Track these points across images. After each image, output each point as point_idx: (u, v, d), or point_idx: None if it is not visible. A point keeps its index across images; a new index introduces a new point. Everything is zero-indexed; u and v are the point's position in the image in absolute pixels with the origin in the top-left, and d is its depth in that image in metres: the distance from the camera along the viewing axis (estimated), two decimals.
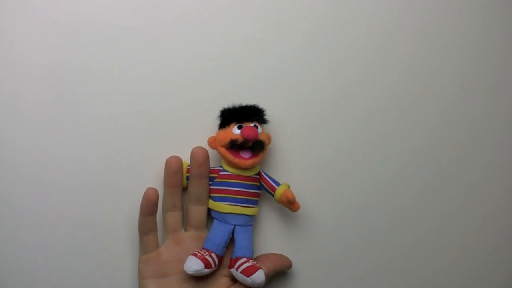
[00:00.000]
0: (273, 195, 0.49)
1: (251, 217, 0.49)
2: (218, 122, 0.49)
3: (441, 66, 0.54)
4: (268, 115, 0.50)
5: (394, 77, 0.54)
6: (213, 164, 0.50)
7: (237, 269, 0.46)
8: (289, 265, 0.51)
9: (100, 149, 0.50)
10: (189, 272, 0.45)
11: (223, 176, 0.49)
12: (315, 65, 0.53)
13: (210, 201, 0.49)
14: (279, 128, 0.52)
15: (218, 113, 0.49)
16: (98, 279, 0.50)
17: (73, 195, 0.50)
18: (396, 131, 0.54)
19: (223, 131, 0.48)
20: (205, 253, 0.47)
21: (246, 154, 0.48)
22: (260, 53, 0.52)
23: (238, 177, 0.48)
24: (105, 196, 0.50)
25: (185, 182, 0.49)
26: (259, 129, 0.48)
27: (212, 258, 0.47)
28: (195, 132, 0.51)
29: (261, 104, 0.49)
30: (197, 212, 0.49)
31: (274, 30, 0.52)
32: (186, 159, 0.49)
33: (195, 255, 0.46)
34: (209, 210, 0.49)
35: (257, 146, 0.47)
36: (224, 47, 0.52)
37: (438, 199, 0.54)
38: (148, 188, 0.47)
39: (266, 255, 0.50)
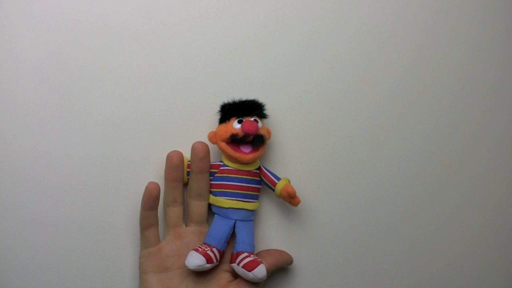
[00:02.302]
0: (273, 190, 0.49)
1: (252, 212, 0.49)
2: (218, 117, 0.49)
3: (443, 65, 0.54)
4: (268, 111, 0.50)
5: (396, 75, 0.54)
6: (213, 160, 0.50)
7: (238, 264, 0.46)
8: (290, 261, 0.51)
9: (101, 146, 0.50)
10: (190, 267, 0.45)
11: (223, 171, 0.48)
12: (316, 61, 0.53)
13: (211, 196, 0.49)
14: (280, 123, 0.52)
15: (218, 108, 0.49)
16: (98, 278, 0.50)
17: (73, 194, 0.50)
18: (398, 124, 0.54)
19: (223, 125, 0.48)
20: (206, 248, 0.46)
21: (246, 149, 0.48)
22: (261, 50, 0.52)
23: (238, 171, 0.48)
24: (106, 193, 0.50)
25: (186, 178, 0.49)
26: (259, 124, 0.48)
27: (214, 253, 0.46)
28: (195, 128, 0.51)
29: (261, 100, 0.49)
30: (198, 207, 0.49)
31: (275, 27, 0.52)
32: (186, 155, 0.49)
33: (196, 250, 0.46)
34: (210, 205, 0.49)
35: (257, 141, 0.47)
36: (225, 44, 0.52)
37: (440, 198, 0.54)
38: (150, 183, 0.47)
39: (267, 250, 0.50)
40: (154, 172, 0.50)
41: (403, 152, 0.54)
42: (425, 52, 0.54)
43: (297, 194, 0.48)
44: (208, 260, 0.46)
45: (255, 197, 0.49)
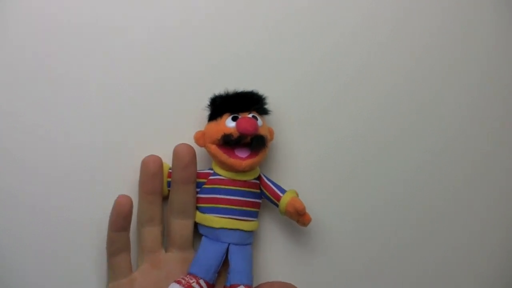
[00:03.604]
0: (277, 205, 0.46)
1: (250, 233, 0.45)
2: (207, 113, 0.46)
3: (454, 60, 0.53)
4: (270, 105, 0.46)
5: (402, 70, 0.52)
6: (201, 166, 0.46)
7: None
8: None
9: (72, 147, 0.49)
10: None
11: (214, 181, 0.45)
12: (321, 56, 0.51)
13: (198, 213, 0.45)
14: (284, 121, 0.50)
15: (207, 102, 0.46)
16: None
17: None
18: (413, 126, 0.52)
19: (214, 123, 0.45)
20: (191, 280, 0.43)
21: (242, 153, 0.44)
22: (261, 48, 0.50)
23: (232, 182, 0.45)
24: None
25: (166, 189, 0.46)
26: (259, 121, 0.45)
27: (200, 286, 0.43)
28: (178, 127, 0.48)
29: (261, 92, 0.47)
30: (181, 227, 0.45)
31: (277, 19, 0.51)
32: (167, 160, 0.45)
33: (178, 282, 0.42)
34: (196, 225, 0.46)
35: (256, 143, 0.44)
36: (225, 36, 0.50)
37: (461, 202, 0.52)
38: (120, 196, 0.43)
39: (270, 283, 0.47)
40: (127, 182, 0.47)
41: (421, 155, 0.51)
42: (436, 46, 0.52)
43: (307, 210, 0.45)
44: None
45: (254, 215, 0.46)
